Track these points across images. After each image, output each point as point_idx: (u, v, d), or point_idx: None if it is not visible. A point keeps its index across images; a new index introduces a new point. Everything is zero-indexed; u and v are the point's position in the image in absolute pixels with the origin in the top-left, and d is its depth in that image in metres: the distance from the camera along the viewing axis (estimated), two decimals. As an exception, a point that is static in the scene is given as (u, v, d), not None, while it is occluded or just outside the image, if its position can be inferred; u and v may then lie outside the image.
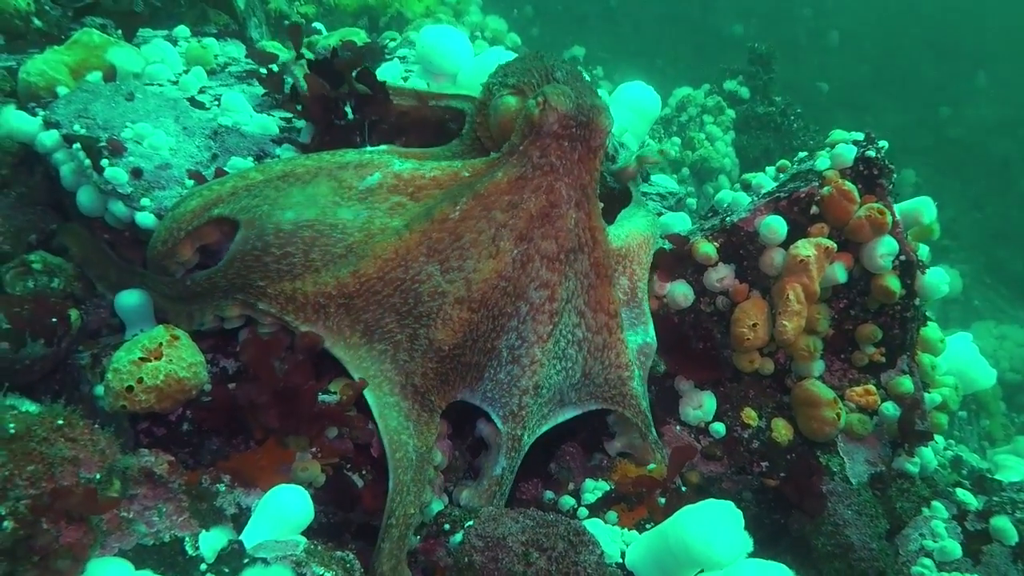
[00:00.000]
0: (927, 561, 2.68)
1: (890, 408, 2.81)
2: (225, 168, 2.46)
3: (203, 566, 1.76)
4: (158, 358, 2.01)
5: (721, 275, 2.79)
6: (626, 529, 2.37)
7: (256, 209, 2.14)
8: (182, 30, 3.23)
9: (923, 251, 2.92)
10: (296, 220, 2.11)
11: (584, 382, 2.37)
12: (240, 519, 1.96)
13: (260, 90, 2.82)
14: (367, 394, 2.12)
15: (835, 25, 14.73)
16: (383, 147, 2.37)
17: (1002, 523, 2.71)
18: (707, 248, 2.77)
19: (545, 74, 2.22)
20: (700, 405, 2.81)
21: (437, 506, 2.27)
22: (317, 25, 5.08)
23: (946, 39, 15.01)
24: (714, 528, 1.99)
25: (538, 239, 2.07)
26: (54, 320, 2.23)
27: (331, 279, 2.09)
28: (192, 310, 2.22)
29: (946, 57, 14.69)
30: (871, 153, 2.76)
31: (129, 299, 2.38)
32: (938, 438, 3.17)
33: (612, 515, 2.45)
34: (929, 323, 3.04)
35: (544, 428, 2.36)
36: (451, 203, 2.08)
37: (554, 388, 2.30)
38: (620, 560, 2.24)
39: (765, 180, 3.06)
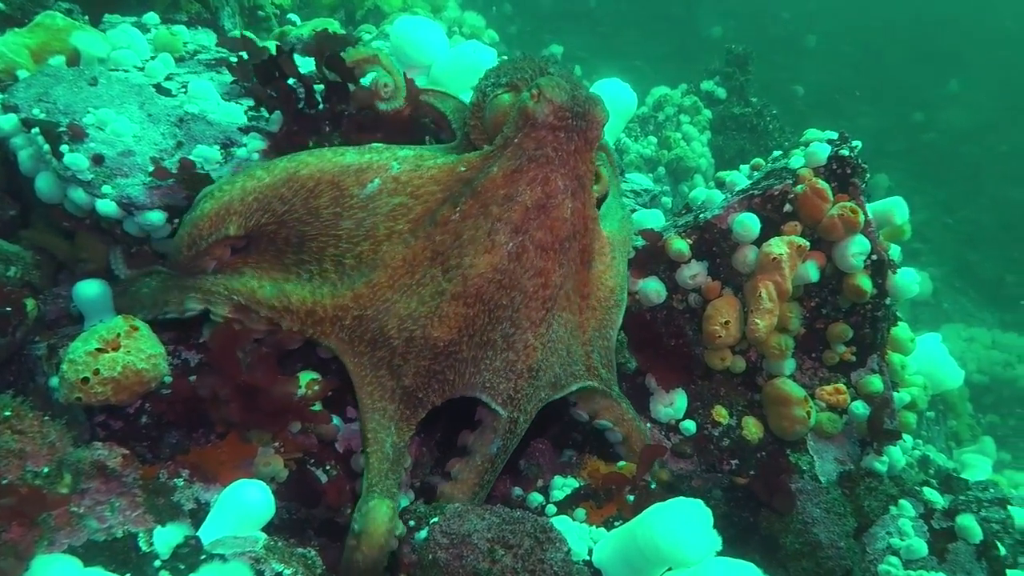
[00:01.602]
0: (894, 559, 2.69)
1: (860, 407, 2.81)
2: (191, 157, 2.40)
3: (157, 562, 1.72)
4: (115, 349, 1.96)
5: (694, 272, 2.78)
6: (594, 527, 2.35)
7: (267, 227, 2.18)
8: (152, 17, 3.15)
9: (895, 251, 2.93)
10: (302, 234, 2.17)
11: (570, 361, 2.36)
12: (199, 514, 1.91)
13: (229, 78, 2.76)
14: (358, 396, 2.13)
15: (812, 29, 14.86)
16: (379, 145, 2.32)
17: (967, 521, 2.72)
18: (680, 245, 2.76)
19: (538, 70, 2.20)
20: (671, 403, 2.80)
21: (404, 502, 2.24)
22: (292, 16, 5.02)
23: (921, 46, 15.21)
24: (683, 526, 1.97)
25: (533, 230, 2.06)
26: (8, 309, 2.16)
27: (347, 291, 2.11)
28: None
29: (920, 63, 14.89)
30: (845, 152, 2.76)
31: (88, 289, 2.32)
32: (906, 437, 3.18)
33: (580, 512, 2.43)
34: (899, 323, 3.05)
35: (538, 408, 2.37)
36: (452, 205, 2.08)
37: (551, 371, 2.30)
38: (587, 558, 2.22)
39: (739, 178, 3.05)
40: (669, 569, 2.05)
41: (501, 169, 2.04)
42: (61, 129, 2.28)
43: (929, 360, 3.23)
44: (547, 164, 2.04)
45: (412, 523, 2.11)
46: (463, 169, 2.11)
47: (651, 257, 2.80)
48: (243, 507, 1.85)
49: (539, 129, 2.01)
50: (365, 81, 2.48)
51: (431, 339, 2.07)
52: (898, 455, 2.89)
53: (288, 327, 2.14)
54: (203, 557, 1.72)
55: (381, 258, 2.09)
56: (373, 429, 2.10)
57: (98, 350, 1.95)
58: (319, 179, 2.16)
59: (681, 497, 2.09)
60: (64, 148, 2.25)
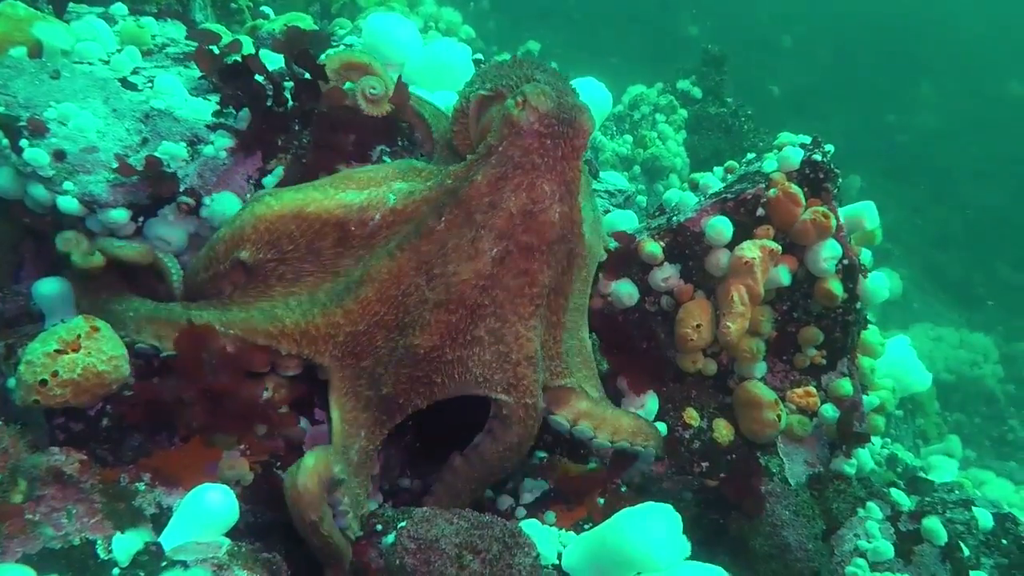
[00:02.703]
0: (861, 561, 2.71)
1: (829, 410, 2.83)
2: (156, 154, 2.35)
3: (116, 570, 1.68)
4: (76, 350, 1.91)
5: (666, 275, 2.78)
6: (564, 530, 2.34)
7: (269, 263, 2.18)
8: (119, 7, 3.08)
9: (865, 256, 2.95)
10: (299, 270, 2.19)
11: (551, 363, 2.36)
12: (161, 520, 1.88)
13: (197, 73, 2.71)
14: (332, 408, 2.10)
15: (788, 30, 14.98)
16: (374, 170, 2.29)
17: (933, 524, 2.75)
18: (653, 247, 2.75)
19: (524, 77, 2.17)
20: (642, 405, 2.80)
21: (371, 506, 2.21)
22: (265, 9, 4.95)
23: (894, 49, 15.41)
24: (653, 532, 1.98)
25: (519, 235, 2.03)
26: (-35, 308, 2.10)
27: (338, 308, 2.09)
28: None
29: (893, 66, 15.08)
30: (817, 157, 2.77)
31: (49, 287, 2.27)
32: (874, 439, 3.22)
33: (550, 515, 2.43)
34: (869, 327, 3.08)
35: None
36: (436, 215, 2.06)
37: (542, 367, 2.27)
38: (557, 562, 2.21)
39: (713, 180, 3.06)
40: (638, 574, 2.05)
41: (485, 177, 2.01)
42: (21, 123, 2.21)
43: (898, 363, 3.26)
44: (533, 170, 2.01)
45: (379, 527, 2.09)
46: (450, 183, 2.08)
47: (624, 259, 2.79)
48: (206, 512, 1.81)
49: (524, 137, 1.98)
50: (351, 86, 2.45)
51: (412, 347, 2.04)
52: (866, 457, 2.92)
53: (287, 351, 2.10)
54: (164, 564, 1.69)
55: (369, 274, 2.08)
56: (345, 433, 2.08)
57: (57, 351, 1.89)
58: (325, 220, 2.15)
59: (651, 502, 2.09)
60: (24, 143, 2.19)
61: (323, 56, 2.50)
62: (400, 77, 2.55)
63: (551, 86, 2.08)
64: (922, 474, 3.73)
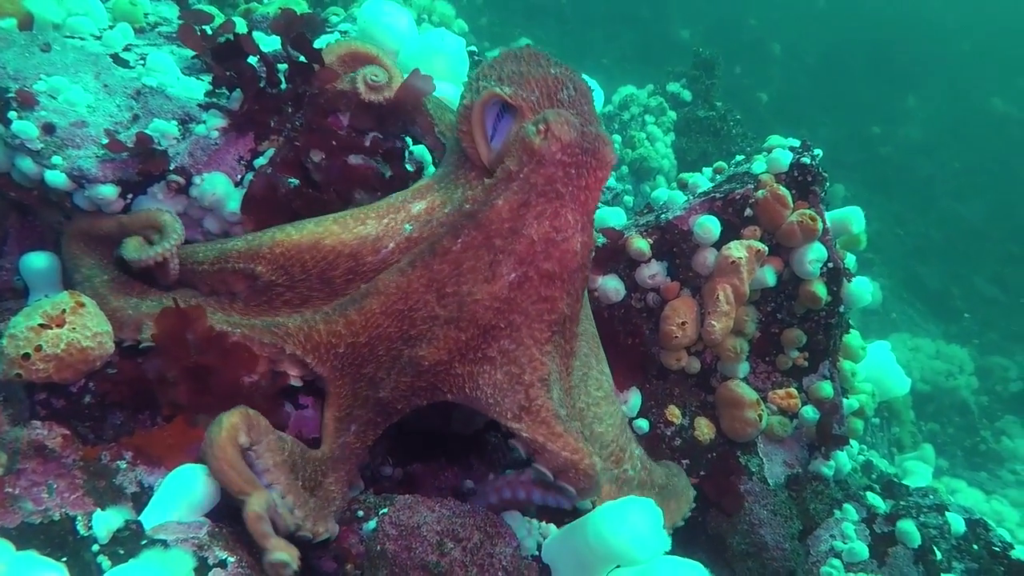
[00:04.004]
0: (836, 561, 2.75)
1: (810, 412, 2.86)
2: (147, 131, 2.33)
3: (95, 547, 1.66)
4: (60, 325, 1.89)
5: (653, 272, 2.79)
6: (544, 522, 2.35)
7: (278, 287, 2.16)
8: (111, -16, 3.05)
9: (850, 260, 2.98)
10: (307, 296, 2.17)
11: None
12: (142, 499, 1.86)
13: (190, 52, 2.68)
14: (327, 405, 2.09)
15: (778, 38, 15.08)
16: (395, 199, 2.26)
17: (907, 526, 2.79)
18: (641, 244, 2.77)
19: (546, 90, 2.07)
20: (625, 401, 2.81)
21: (352, 491, 2.20)
22: (259, -8, 4.91)
23: (882, 61, 15.55)
24: (633, 525, 1.98)
25: (540, 262, 1.98)
26: (-53, 280, 2.07)
27: (340, 318, 2.06)
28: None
29: (880, 78, 15.22)
30: (806, 160, 2.80)
31: (35, 261, 2.24)
32: (853, 442, 3.25)
33: (531, 507, 2.43)
34: (851, 331, 3.11)
35: None
36: (452, 236, 2.01)
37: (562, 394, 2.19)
38: (536, 553, 2.22)
39: (702, 180, 3.08)
40: (617, 567, 2.06)
41: (507, 202, 1.95)
42: (10, 95, 2.18)
43: (878, 368, 3.30)
44: (557, 199, 1.95)
45: (360, 513, 2.08)
46: (468, 206, 2.04)
47: (611, 255, 2.81)
48: (187, 492, 1.80)
49: (547, 166, 1.92)
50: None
51: (417, 358, 2.00)
52: (844, 460, 2.95)
53: (291, 352, 2.08)
54: (144, 542, 1.67)
55: (376, 286, 2.05)
56: (335, 428, 2.07)
57: (41, 326, 1.87)
58: (339, 251, 2.12)
59: (632, 496, 2.10)
60: (12, 115, 2.16)
61: (326, 43, 2.49)
62: (418, 71, 2.51)
63: (575, 109, 2.03)
64: (897, 479, 3.78)
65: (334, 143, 2.41)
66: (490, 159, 2.12)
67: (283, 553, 1.55)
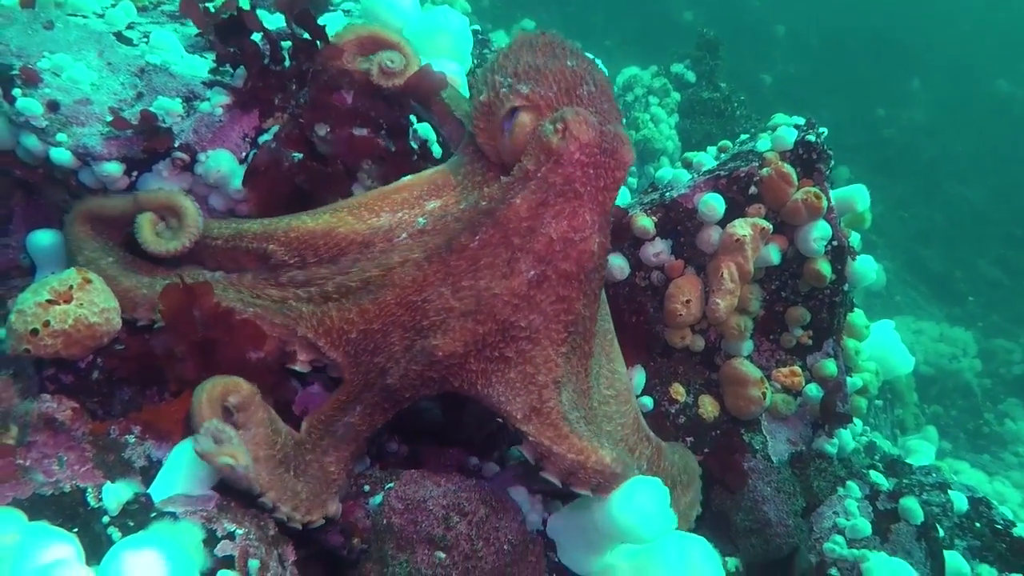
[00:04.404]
0: (839, 538, 2.76)
1: (814, 390, 2.87)
2: (151, 109, 2.32)
3: (105, 519, 1.68)
4: (67, 301, 1.89)
5: (657, 250, 2.79)
6: (549, 498, 2.36)
7: (289, 267, 2.17)
8: (113, -37, 3.04)
9: (854, 238, 2.98)
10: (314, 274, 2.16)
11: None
12: (150, 472, 1.87)
13: (193, 30, 2.68)
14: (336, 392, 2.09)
15: (782, 20, 14.99)
16: (408, 187, 2.26)
17: (910, 503, 2.81)
18: (645, 222, 2.77)
19: (565, 85, 2.04)
20: (630, 379, 2.81)
21: (358, 467, 2.22)
22: (260, -27, 4.88)
23: (886, 43, 15.46)
24: (640, 503, 1.98)
25: (558, 261, 1.97)
26: (-46, 257, 2.08)
27: (353, 306, 2.05)
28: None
29: (885, 60, 15.13)
30: (811, 138, 2.79)
31: (42, 239, 2.25)
32: (856, 421, 3.26)
33: (537, 483, 2.44)
34: (855, 309, 3.11)
35: None
36: (470, 233, 2.00)
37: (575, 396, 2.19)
38: (542, 528, 2.23)
39: (706, 159, 3.07)
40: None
41: (525, 201, 1.94)
42: (14, 72, 2.18)
43: (882, 346, 3.31)
44: (576, 199, 1.94)
45: (367, 488, 2.10)
46: (484, 203, 2.03)
47: (616, 233, 2.80)
48: (195, 465, 1.81)
49: (565, 166, 1.91)
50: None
51: (430, 347, 2.00)
52: (848, 438, 2.96)
53: (303, 334, 2.07)
54: (153, 515, 1.69)
55: (391, 279, 2.04)
56: (332, 402, 2.08)
57: (49, 302, 1.88)
58: (352, 240, 2.13)
59: (640, 475, 2.10)
60: (16, 92, 2.16)
61: (332, 23, 2.48)
62: (430, 66, 2.49)
63: (595, 107, 2.01)
64: (901, 459, 3.79)
65: (337, 119, 2.40)
66: (504, 152, 2.09)
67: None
